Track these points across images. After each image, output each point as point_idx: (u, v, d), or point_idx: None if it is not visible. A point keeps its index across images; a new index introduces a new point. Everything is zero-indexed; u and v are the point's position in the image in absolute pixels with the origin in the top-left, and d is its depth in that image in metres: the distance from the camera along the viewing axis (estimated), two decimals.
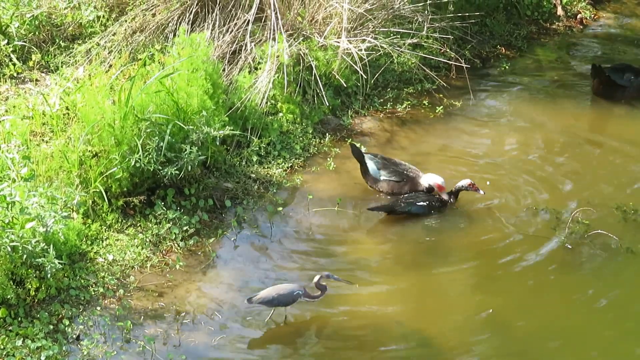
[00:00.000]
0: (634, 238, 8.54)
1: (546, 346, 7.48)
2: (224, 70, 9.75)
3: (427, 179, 8.95)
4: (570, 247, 8.48)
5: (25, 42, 10.14)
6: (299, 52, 9.76)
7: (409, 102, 10.45)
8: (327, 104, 9.82)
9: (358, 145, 9.46)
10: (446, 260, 8.38)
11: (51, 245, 7.42)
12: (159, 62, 9.21)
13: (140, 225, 8.39)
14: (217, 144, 8.84)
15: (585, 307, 7.91)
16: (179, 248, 8.28)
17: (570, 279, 8.17)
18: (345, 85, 10.01)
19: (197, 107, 8.64)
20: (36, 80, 9.84)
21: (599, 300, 7.96)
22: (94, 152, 8.45)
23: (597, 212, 8.83)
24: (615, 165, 9.57)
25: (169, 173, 8.35)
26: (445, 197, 8.86)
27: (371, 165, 9.06)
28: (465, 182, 8.87)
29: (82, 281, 7.79)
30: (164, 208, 8.47)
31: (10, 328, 7.27)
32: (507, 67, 11.32)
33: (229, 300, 7.84)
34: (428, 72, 10.43)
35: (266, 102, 9.55)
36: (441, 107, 10.41)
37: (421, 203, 8.79)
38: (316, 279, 7.64)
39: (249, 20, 9.93)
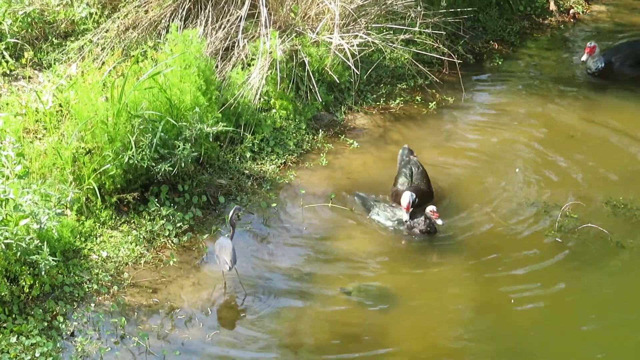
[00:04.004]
0: (623, 232, 8.57)
1: (541, 340, 7.51)
2: (216, 66, 9.75)
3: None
4: (560, 241, 8.51)
5: (17, 39, 10.13)
6: (292, 48, 9.77)
7: (402, 97, 10.46)
8: (320, 100, 9.83)
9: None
10: (440, 256, 8.40)
11: (45, 242, 7.42)
12: (152, 59, 9.22)
13: (134, 222, 8.41)
14: (211, 140, 8.86)
15: (577, 300, 7.94)
16: (172, 244, 8.30)
17: (561, 272, 8.20)
18: (338, 82, 10.02)
19: (190, 104, 8.65)
20: (29, 77, 9.84)
21: (591, 293, 8.00)
22: (87, 149, 8.45)
23: (587, 206, 8.86)
24: (606, 159, 9.59)
25: (163, 169, 8.36)
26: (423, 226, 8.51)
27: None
28: (428, 208, 8.55)
29: (76, 278, 7.81)
30: (157, 205, 8.48)
31: (5, 325, 7.28)
32: (500, 62, 11.34)
33: (223, 296, 7.86)
34: (421, 68, 10.44)
35: (259, 99, 9.56)
36: (434, 102, 10.43)
37: (388, 222, 8.60)
38: (231, 214, 7.85)
39: (241, 16, 9.94)
